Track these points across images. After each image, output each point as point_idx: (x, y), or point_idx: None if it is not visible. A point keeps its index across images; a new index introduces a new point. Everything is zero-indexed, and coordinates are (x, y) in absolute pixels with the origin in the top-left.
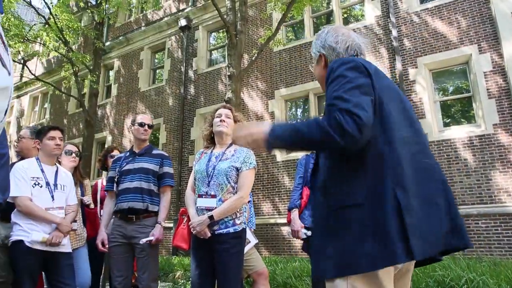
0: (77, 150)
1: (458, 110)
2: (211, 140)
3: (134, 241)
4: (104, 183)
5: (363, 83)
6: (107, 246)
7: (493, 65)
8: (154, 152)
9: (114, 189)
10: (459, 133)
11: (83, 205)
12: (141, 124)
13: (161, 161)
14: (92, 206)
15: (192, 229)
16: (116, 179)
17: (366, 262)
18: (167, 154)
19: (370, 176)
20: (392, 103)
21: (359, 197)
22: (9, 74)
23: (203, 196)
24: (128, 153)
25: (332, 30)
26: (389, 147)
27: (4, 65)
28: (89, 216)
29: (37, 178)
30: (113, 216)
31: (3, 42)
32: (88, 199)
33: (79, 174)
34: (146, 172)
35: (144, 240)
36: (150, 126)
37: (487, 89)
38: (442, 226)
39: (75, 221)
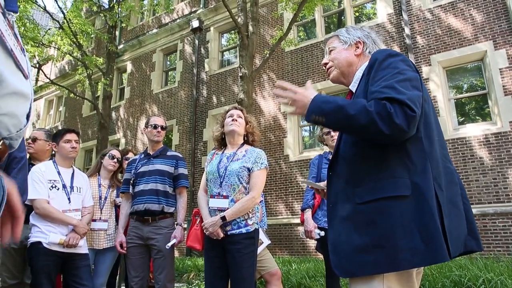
0: (119, 156)
1: (473, 107)
2: (221, 141)
3: (150, 242)
4: None
5: (413, 77)
6: (125, 248)
7: (509, 61)
8: (169, 153)
9: (130, 191)
10: (475, 131)
11: (116, 206)
12: (154, 126)
13: (176, 162)
14: None
15: (204, 230)
16: (132, 181)
17: (410, 258)
18: (181, 155)
19: (415, 170)
20: (429, 103)
21: (403, 188)
22: (26, 77)
23: (215, 197)
24: (142, 155)
25: (373, 31)
26: (431, 146)
27: (19, 68)
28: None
29: (54, 180)
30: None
31: (19, 44)
32: (120, 200)
33: (116, 179)
34: (162, 173)
35: (169, 244)
36: (163, 128)
37: (503, 86)
38: (464, 229)
39: (105, 221)
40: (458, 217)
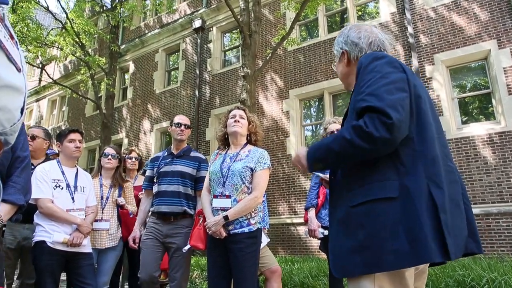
0: (114, 152)
1: (476, 107)
2: (225, 141)
3: (169, 240)
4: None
5: (399, 79)
6: (137, 243)
7: None
8: (192, 154)
9: (153, 189)
10: (478, 130)
11: (117, 206)
12: (178, 125)
13: (199, 164)
14: (128, 207)
15: (207, 229)
16: (154, 180)
17: (393, 260)
18: (204, 157)
19: (404, 172)
20: (426, 101)
21: (392, 190)
22: (19, 70)
23: (218, 197)
24: (166, 153)
25: (355, 27)
26: (425, 146)
27: (12, 61)
28: (122, 217)
29: (58, 180)
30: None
31: (12, 37)
32: (122, 200)
33: (120, 178)
34: (183, 176)
35: (185, 248)
36: (186, 126)
37: (507, 85)
38: (465, 229)
39: (107, 220)
40: (459, 217)
